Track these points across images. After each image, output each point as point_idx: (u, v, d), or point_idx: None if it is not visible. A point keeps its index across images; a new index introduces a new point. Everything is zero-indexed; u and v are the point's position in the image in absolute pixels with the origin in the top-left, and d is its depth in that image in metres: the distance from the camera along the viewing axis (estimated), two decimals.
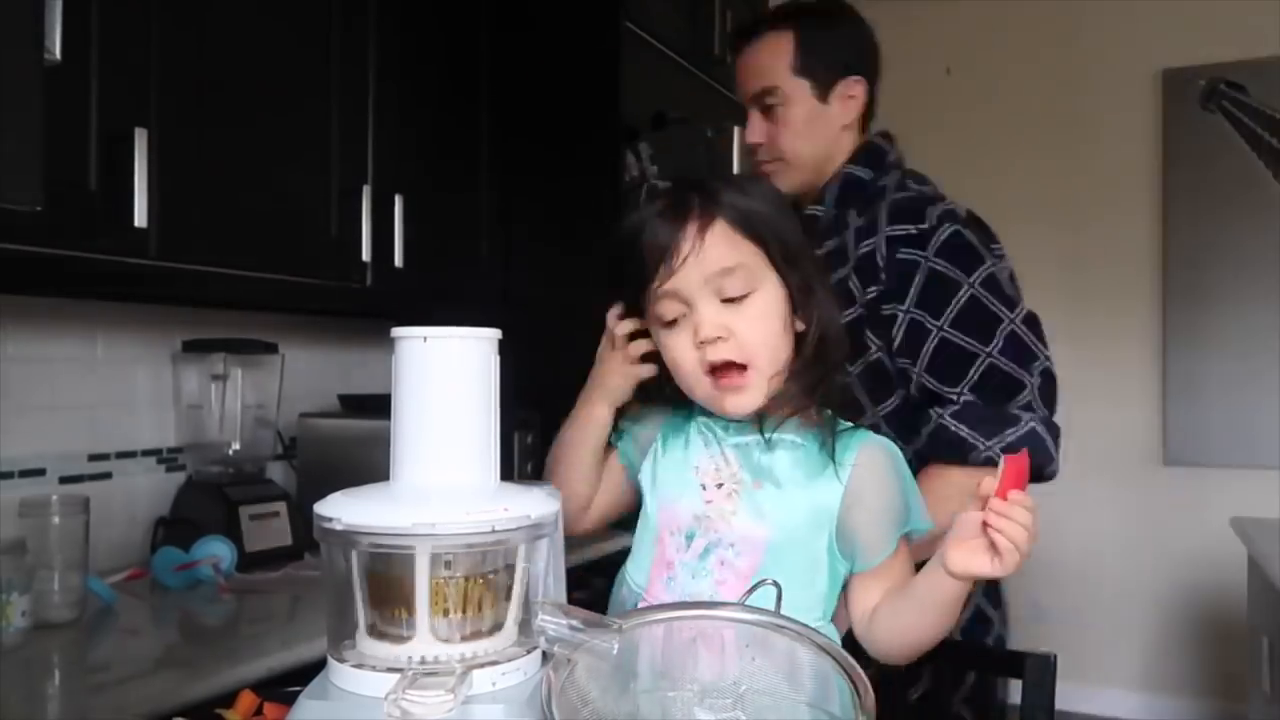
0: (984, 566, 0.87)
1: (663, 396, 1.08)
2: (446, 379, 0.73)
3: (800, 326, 1.01)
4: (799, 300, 1.00)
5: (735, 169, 2.26)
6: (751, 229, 0.98)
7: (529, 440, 2.16)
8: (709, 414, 1.04)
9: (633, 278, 1.02)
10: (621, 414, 1.13)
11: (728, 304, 0.97)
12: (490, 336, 0.75)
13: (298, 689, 0.71)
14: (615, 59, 2.29)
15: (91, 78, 1.37)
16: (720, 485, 1.01)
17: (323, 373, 2.27)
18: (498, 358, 0.76)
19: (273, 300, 1.81)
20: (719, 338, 0.96)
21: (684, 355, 0.99)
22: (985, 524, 0.86)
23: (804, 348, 1.01)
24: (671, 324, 1.00)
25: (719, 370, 0.97)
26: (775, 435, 1.00)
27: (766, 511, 0.99)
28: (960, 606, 0.94)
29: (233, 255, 1.63)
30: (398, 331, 0.73)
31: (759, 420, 1.00)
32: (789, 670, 0.79)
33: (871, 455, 1.01)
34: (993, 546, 0.86)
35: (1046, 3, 3.57)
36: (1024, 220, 3.65)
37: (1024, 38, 3.61)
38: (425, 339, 0.73)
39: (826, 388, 1.02)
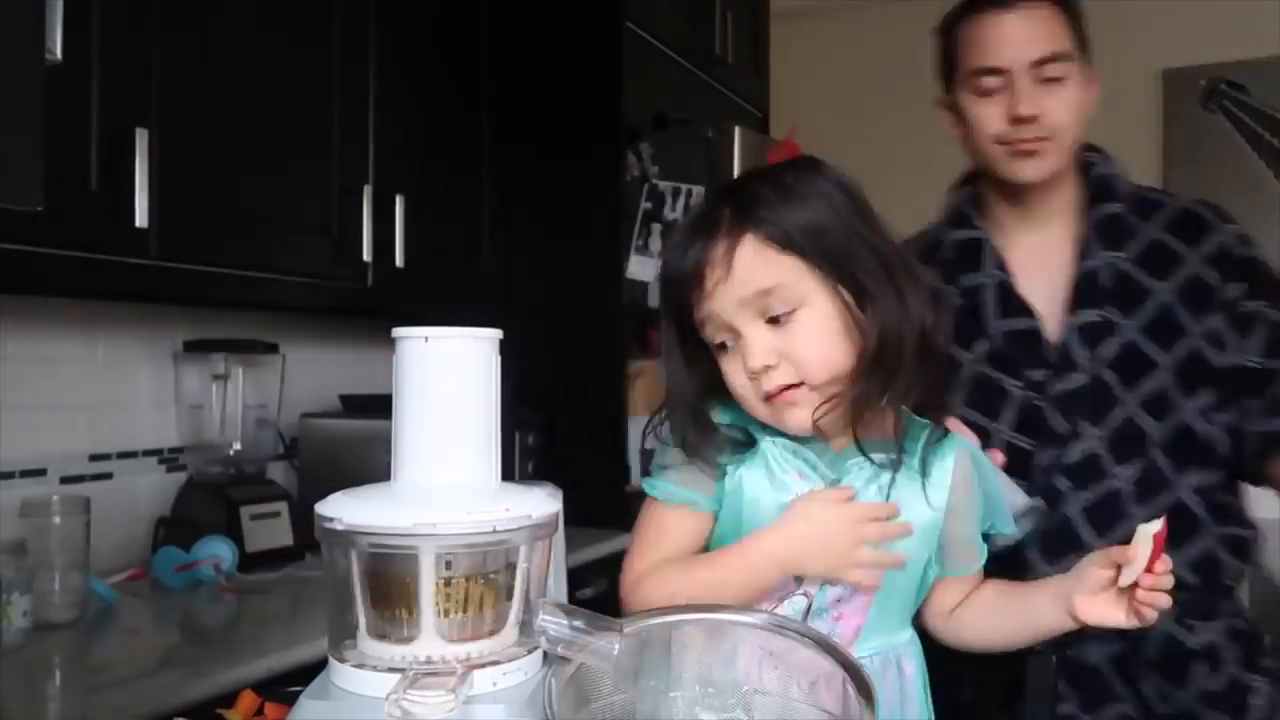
0: (1120, 621, 0.93)
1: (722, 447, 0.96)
2: (448, 379, 0.73)
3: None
4: (860, 302, 0.91)
5: (736, 169, 2.26)
6: (788, 243, 0.90)
7: (530, 440, 2.16)
8: (794, 446, 0.96)
9: (677, 301, 0.94)
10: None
11: (773, 324, 0.90)
12: (491, 336, 0.75)
13: (299, 689, 0.71)
14: (616, 59, 2.29)
15: (92, 77, 1.37)
16: None
17: (324, 373, 2.27)
18: (499, 358, 0.76)
19: (274, 300, 1.80)
20: (768, 365, 0.90)
21: (739, 383, 0.93)
22: (1131, 593, 0.91)
23: (873, 363, 0.91)
24: (722, 347, 0.93)
25: (773, 394, 0.91)
26: (873, 455, 0.94)
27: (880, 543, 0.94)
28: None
29: (233, 255, 1.63)
30: (399, 331, 0.73)
31: (856, 446, 0.93)
32: (793, 671, 0.79)
33: (962, 464, 0.98)
34: (1131, 607, 0.92)
35: None
36: None
37: None
38: (426, 339, 0.72)
39: (894, 390, 0.92)
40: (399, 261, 1.94)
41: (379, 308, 1.96)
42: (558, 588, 0.78)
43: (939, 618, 1.03)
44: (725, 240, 0.90)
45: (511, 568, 0.71)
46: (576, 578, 0.97)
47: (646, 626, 0.80)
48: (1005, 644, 1.03)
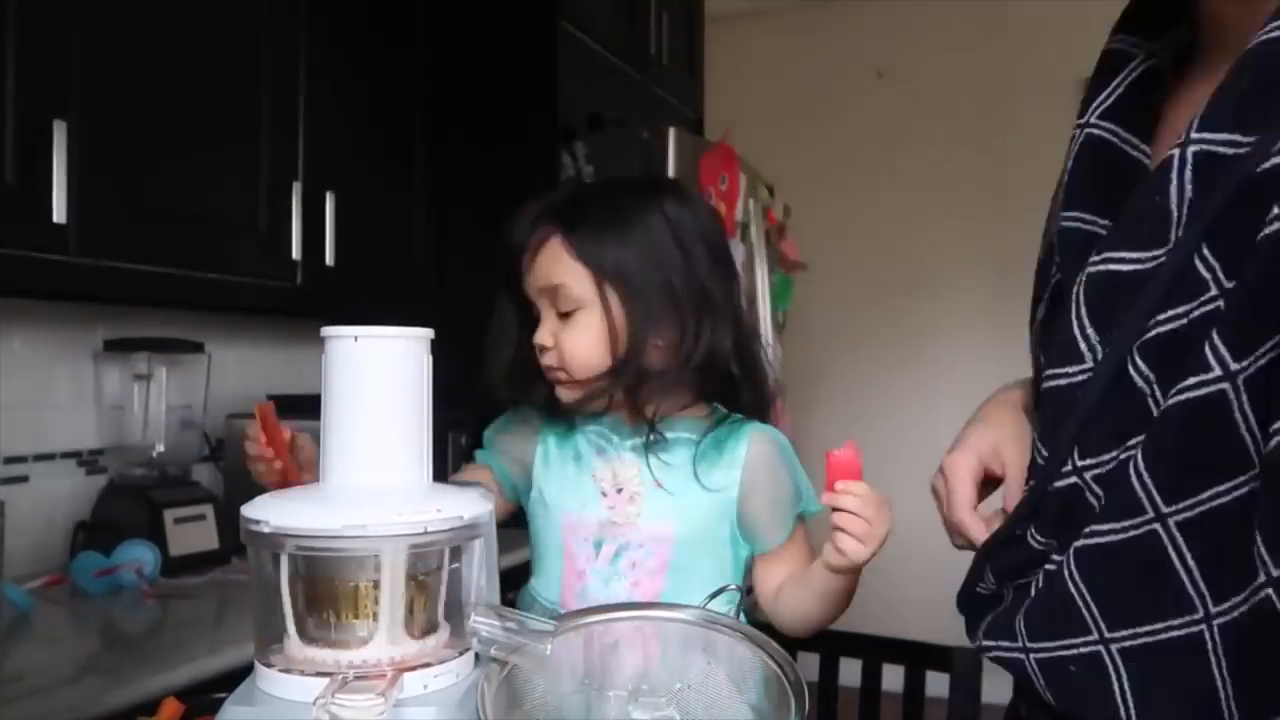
0: (834, 557, 0.92)
1: (537, 400, 1.10)
2: (378, 379, 0.72)
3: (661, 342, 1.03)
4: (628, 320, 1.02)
5: (671, 170, 2.27)
6: (582, 253, 1.02)
7: (463, 441, 2.14)
8: (597, 423, 1.08)
9: (513, 267, 1.08)
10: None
11: (561, 315, 1.03)
12: (422, 336, 0.75)
13: (224, 695, 0.70)
14: (552, 59, 2.29)
15: (7, 66, 1.33)
16: (620, 490, 1.04)
17: (251, 373, 2.23)
18: (430, 357, 0.76)
19: (199, 298, 1.76)
20: (544, 346, 1.04)
21: (538, 344, 1.06)
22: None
23: (626, 370, 1.02)
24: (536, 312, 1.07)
25: (550, 368, 1.05)
26: (669, 433, 1.05)
27: (670, 508, 1.03)
28: (850, 595, 1.00)
29: (157, 252, 1.59)
30: (328, 331, 0.72)
31: (650, 422, 1.04)
32: (724, 667, 0.79)
33: (761, 444, 1.06)
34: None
35: (974, 8, 3.65)
36: (953, 220, 3.74)
37: (953, 42, 3.68)
38: (356, 338, 0.72)
39: (645, 393, 1.03)
40: (329, 260, 1.91)
41: (309, 307, 1.93)
42: (490, 589, 0.77)
43: (766, 600, 1.08)
44: (540, 231, 1.04)
45: (442, 569, 0.71)
46: (509, 579, 0.97)
47: (579, 626, 0.80)
48: (812, 615, 1.04)
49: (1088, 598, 0.67)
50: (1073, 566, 0.68)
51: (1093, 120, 0.78)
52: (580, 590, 1.03)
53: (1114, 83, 0.78)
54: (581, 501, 1.06)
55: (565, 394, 1.05)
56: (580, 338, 1.02)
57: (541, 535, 1.09)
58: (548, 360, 1.05)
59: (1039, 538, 0.72)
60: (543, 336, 1.05)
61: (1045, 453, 0.73)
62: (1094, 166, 0.77)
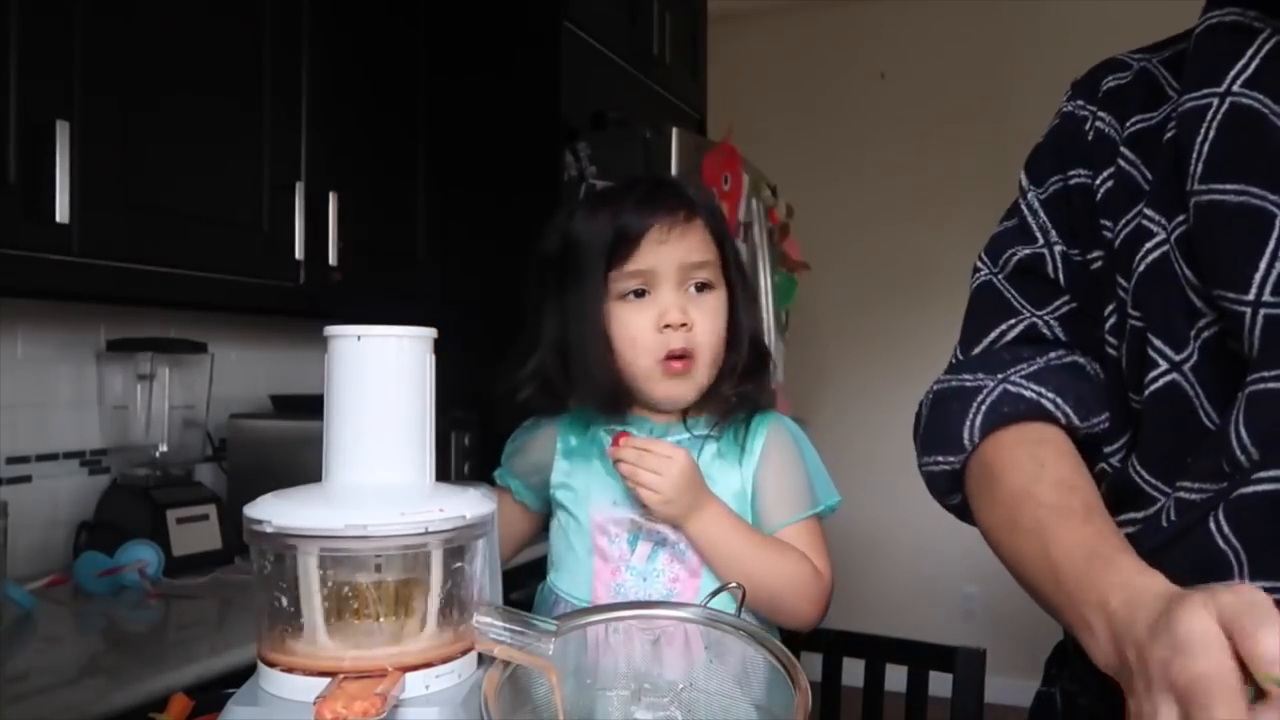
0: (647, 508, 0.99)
1: (555, 401, 1.08)
2: (381, 378, 0.72)
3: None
4: (738, 308, 1.07)
5: (674, 169, 2.27)
6: (719, 235, 1.06)
7: (466, 441, 2.14)
8: (618, 424, 1.06)
9: (594, 260, 1.02)
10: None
11: (689, 294, 1.02)
12: (425, 335, 0.75)
13: (233, 690, 0.70)
14: (555, 59, 2.29)
15: (10, 66, 1.33)
16: None
17: (254, 372, 2.23)
18: (433, 357, 0.75)
19: (202, 299, 1.76)
20: (684, 324, 1.01)
21: (645, 334, 1.01)
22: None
23: (738, 354, 1.05)
24: (631, 298, 1.02)
25: (672, 357, 1.01)
26: (694, 430, 1.06)
27: None
28: (722, 550, 0.99)
29: (160, 252, 1.59)
30: (331, 330, 0.72)
31: (682, 417, 1.06)
32: (727, 666, 0.79)
33: (777, 433, 1.07)
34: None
35: (977, 9, 3.65)
36: (956, 221, 3.74)
37: (956, 43, 3.68)
38: (359, 337, 0.72)
39: (755, 393, 1.06)
40: (332, 260, 1.91)
41: (312, 307, 1.93)
42: (493, 589, 0.77)
43: None
44: (684, 213, 1.03)
45: (445, 569, 0.71)
46: (511, 579, 0.97)
47: (582, 625, 0.80)
48: (750, 582, 1.03)
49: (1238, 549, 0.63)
50: (1221, 519, 0.63)
51: (1236, 88, 0.66)
52: (615, 586, 1.02)
53: (1249, 51, 0.66)
54: (612, 499, 1.05)
55: (684, 389, 1.03)
56: (716, 319, 1.04)
57: (567, 532, 1.08)
58: (681, 342, 1.01)
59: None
60: (678, 313, 1.01)
61: (1256, 456, 0.64)
62: (1246, 138, 0.64)
